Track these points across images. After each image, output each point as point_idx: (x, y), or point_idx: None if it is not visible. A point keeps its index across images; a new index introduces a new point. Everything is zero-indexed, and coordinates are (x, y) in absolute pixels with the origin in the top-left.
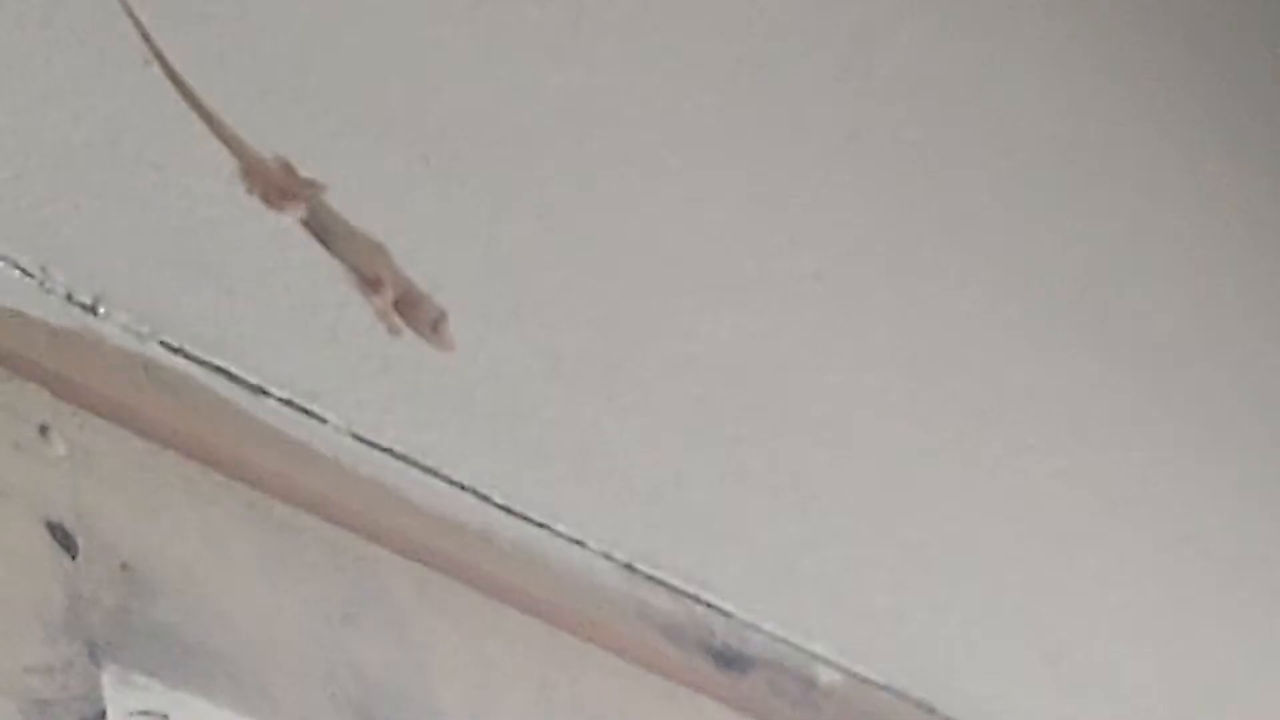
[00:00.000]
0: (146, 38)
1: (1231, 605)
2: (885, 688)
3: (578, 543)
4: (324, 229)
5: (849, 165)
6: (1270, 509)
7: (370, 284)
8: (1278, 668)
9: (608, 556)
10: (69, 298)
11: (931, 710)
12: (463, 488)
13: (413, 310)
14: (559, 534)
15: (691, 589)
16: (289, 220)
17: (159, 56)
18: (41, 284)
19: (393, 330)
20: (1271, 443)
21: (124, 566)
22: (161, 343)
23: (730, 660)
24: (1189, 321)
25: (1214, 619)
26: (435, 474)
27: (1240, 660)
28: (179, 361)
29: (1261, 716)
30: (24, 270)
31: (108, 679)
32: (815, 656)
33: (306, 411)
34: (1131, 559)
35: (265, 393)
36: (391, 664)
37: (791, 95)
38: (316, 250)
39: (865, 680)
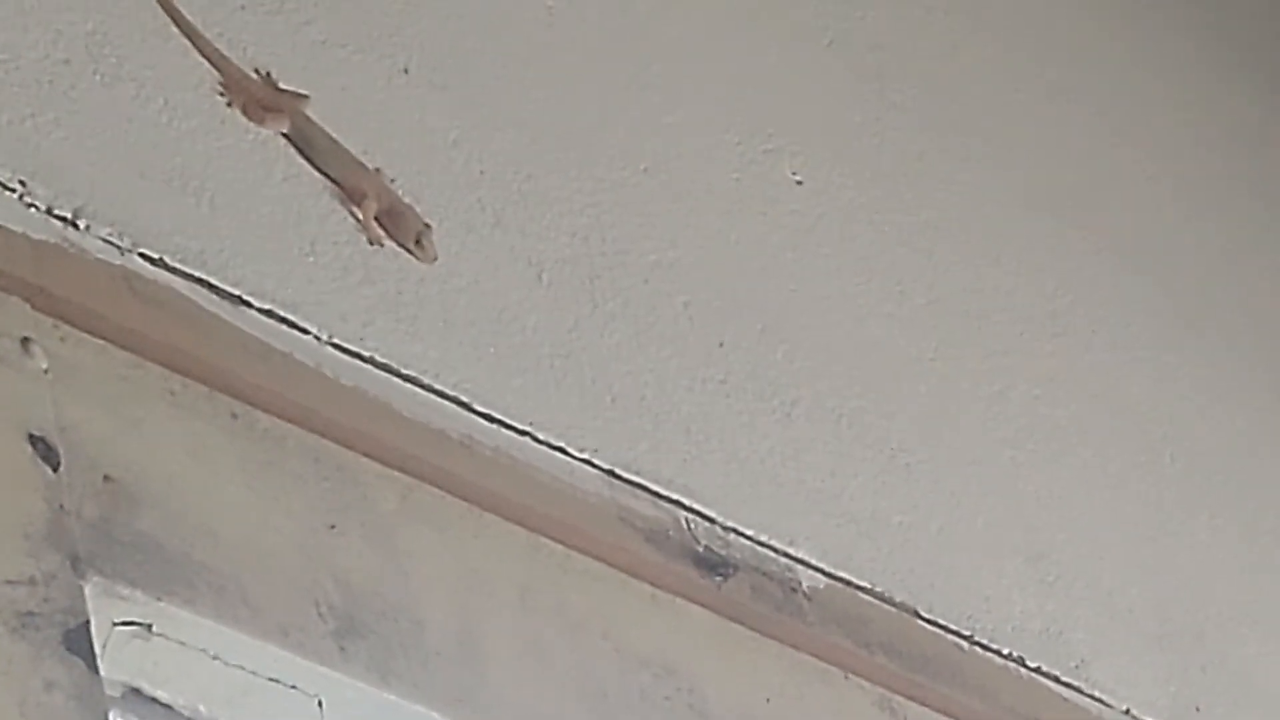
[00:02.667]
0: None
1: (1212, 506)
2: (868, 591)
3: (559, 450)
4: (307, 142)
5: (830, 71)
6: (1252, 410)
7: (353, 196)
8: (1257, 568)
9: (590, 463)
10: (50, 211)
11: (914, 613)
12: (444, 396)
13: (396, 223)
14: (541, 441)
15: (673, 495)
16: (271, 132)
17: None
18: (21, 198)
19: (374, 241)
20: (1255, 344)
21: (106, 478)
22: (143, 255)
23: (713, 565)
24: (1174, 223)
25: (1195, 520)
26: (417, 383)
27: (1220, 561)
28: (160, 274)
29: (1241, 616)
30: (4, 184)
31: (91, 590)
32: (798, 560)
33: (288, 322)
34: (1113, 461)
35: (247, 304)
36: (375, 572)
37: (772, 1)
38: (298, 162)
39: (848, 584)
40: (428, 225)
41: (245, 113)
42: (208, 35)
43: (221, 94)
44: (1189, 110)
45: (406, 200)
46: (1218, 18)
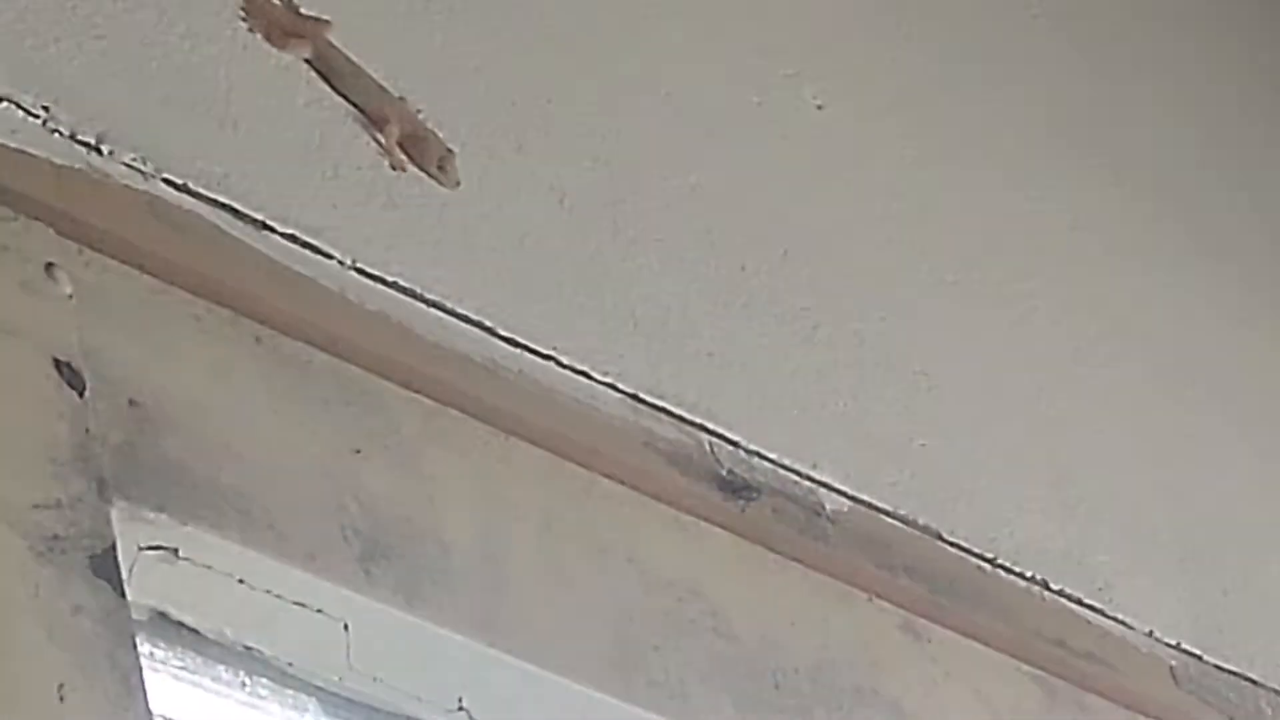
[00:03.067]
0: None
1: (1235, 429)
2: (890, 514)
3: (583, 374)
4: (330, 68)
5: None
6: (1272, 333)
7: (376, 122)
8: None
9: (613, 387)
10: (73, 136)
11: (937, 536)
12: (468, 320)
13: (419, 148)
14: (564, 365)
15: (697, 418)
16: (293, 58)
17: None
18: (45, 123)
19: (397, 166)
20: (1273, 268)
21: (132, 403)
22: (166, 180)
23: (737, 488)
24: (1191, 147)
25: (1218, 442)
26: (440, 307)
27: (1243, 484)
28: (184, 199)
29: (1264, 539)
30: (28, 110)
31: (117, 514)
32: (821, 484)
33: (312, 247)
34: (1135, 384)
35: (270, 229)
36: (399, 496)
37: None
38: (321, 87)
39: (871, 507)
40: (450, 151)
41: (268, 38)
42: None
43: (244, 19)
44: (1209, 33)
45: (429, 126)
46: None
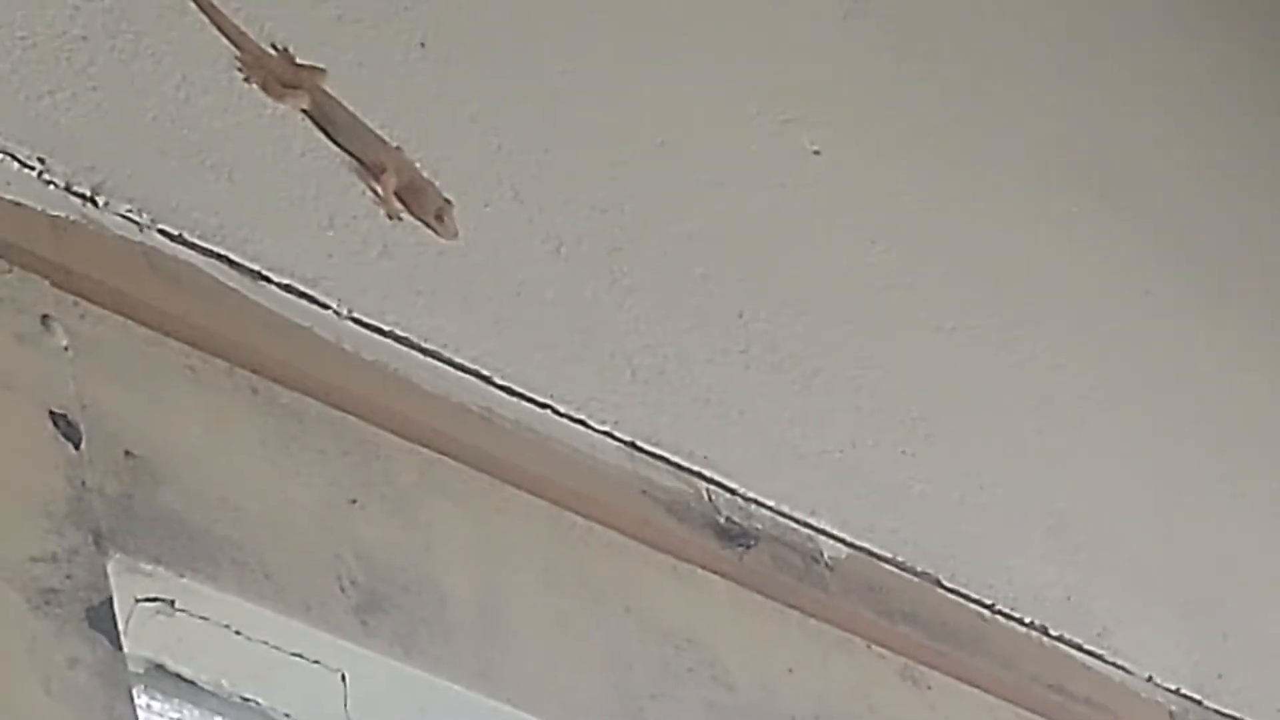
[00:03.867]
0: None
1: (1235, 473)
2: (889, 560)
3: (580, 422)
4: (326, 118)
5: (847, 42)
6: (1275, 376)
7: (373, 172)
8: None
9: (610, 435)
10: (69, 188)
11: (936, 582)
12: (465, 370)
13: (416, 199)
14: (561, 414)
15: (695, 466)
16: (289, 108)
17: None
18: (41, 175)
19: (393, 216)
20: (1274, 313)
21: (128, 455)
22: (162, 231)
23: (735, 536)
24: (1193, 193)
25: (1217, 487)
26: (437, 357)
27: (1242, 528)
28: (180, 249)
29: (1264, 583)
30: (23, 162)
31: (113, 567)
32: (819, 531)
33: (308, 297)
34: (1134, 429)
35: (266, 279)
36: (396, 547)
37: None
38: (317, 137)
39: (869, 553)
40: (448, 201)
41: (264, 89)
42: (225, 11)
43: (240, 70)
44: (1212, 75)
45: (426, 175)
46: None
